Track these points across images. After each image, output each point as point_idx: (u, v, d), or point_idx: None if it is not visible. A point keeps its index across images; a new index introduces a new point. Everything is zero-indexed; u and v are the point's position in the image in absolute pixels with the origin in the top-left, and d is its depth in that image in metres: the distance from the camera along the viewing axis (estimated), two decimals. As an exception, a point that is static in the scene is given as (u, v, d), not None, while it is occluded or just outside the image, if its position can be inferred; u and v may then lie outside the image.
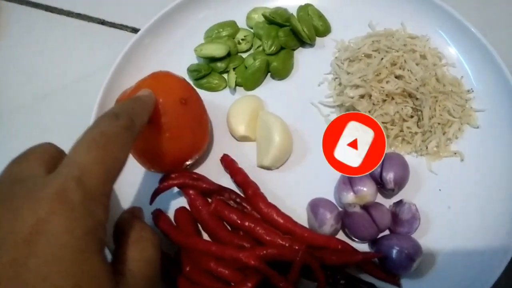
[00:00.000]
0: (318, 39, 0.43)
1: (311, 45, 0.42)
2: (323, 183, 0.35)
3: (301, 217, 0.34)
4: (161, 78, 0.34)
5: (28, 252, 0.18)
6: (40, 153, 0.23)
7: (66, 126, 0.42)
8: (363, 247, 0.33)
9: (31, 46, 0.47)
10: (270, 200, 0.34)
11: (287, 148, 0.36)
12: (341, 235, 0.33)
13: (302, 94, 0.40)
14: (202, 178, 0.34)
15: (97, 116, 0.37)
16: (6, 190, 0.21)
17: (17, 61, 0.46)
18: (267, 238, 0.31)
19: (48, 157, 0.23)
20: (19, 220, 0.19)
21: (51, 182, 0.20)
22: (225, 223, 0.33)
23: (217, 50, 0.40)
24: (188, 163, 0.35)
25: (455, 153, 0.35)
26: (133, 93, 0.33)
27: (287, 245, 0.30)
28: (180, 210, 0.34)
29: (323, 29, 0.42)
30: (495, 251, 0.30)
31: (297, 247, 0.30)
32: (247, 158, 0.37)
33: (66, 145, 0.40)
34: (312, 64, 0.41)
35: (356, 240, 0.32)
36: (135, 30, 0.47)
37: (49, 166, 0.22)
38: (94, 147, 0.22)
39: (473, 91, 0.37)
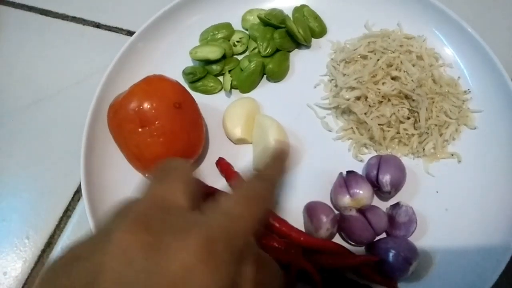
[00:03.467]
0: (314, 40, 0.42)
1: (307, 46, 0.42)
2: (319, 186, 0.35)
3: (298, 220, 0.33)
4: (154, 83, 0.34)
5: None
6: (184, 180, 0.22)
7: (61, 130, 0.41)
8: (360, 250, 0.32)
9: (26, 50, 0.47)
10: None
11: (283, 151, 0.36)
12: (337, 239, 0.33)
13: (298, 96, 0.40)
14: (197, 181, 0.34)
15: (91, 120, 0.37)
16: (153, 215, 0.20)
17: (12, 64, 0.46)
18: (263, 242, 0.30)
19: (191, 188, 0.22)
20: (165, 260, 0.18)
21: (200, 225, 0.19)
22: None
23: (212, 52, 0.40)
24: (183, 167, 0.35)
25: (452, 155, 0.35)
26: (126, 99, 0.32)
27: (283, 248, 0.30)
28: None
29: (319, 30, 0.42)
30: (493, 253, 0.30)
31: (293, 251, 0.30)
32: (243, 161, 0.37)
33: (61, 149, 0.40)
34: (307, 65, 0.41)
35: (353, 243, 0.32)
36: (130, 33, 0.46)
37: (192, 199, 0.22)
38: (245, 203, 0.21)
39: (470, 91, 0.37)
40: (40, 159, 0.40)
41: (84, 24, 0.48)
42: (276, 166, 0.25)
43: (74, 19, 0.49)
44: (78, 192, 0.38)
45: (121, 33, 0.47)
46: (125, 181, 0.36)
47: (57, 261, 0.20)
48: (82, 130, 0.36)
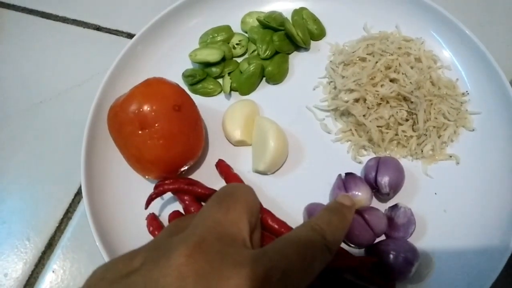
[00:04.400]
0: (313, 42, 0.43)
1: (306, 49, 0.42)
2: (318, 188, 0.35)
3: (297, 222, 0.33)
4: (154, 85, 0.34)
5: None
6: (248, 211, 0.23)
7: (62, 132, 0.42)
8: (360, 253, 0.32)
9: (27, 52, 0.47)
10: (265, 205, 0.33)
11: (282, 153, 0.36)
12: (336, 240, 0.33)
13: (297, 98, 0.40)
14: (196, 183, 0.34)
15: (91, 122, 0.37)
16: (214, 243, 0.20)
17: (12, 67, 0.46)
18: (262, 244, 0.30)
19: (252, 219, 0.23)
20: None
21: (256, 266, 0.20)
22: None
23: (212, 55, 0.40)
24: (183, 169, 0.35)
25: (451, 156, 0.35)
26: (126, 101, 0.33)
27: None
28: (173, 214, 0.34)
29: (318, 33, 0.42)
30: (492, 253, 0.30)
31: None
32: (242, 163, 0.37)
33: (62, 151, 0.40)
34: (307, 68, 0.41)
35: (352, 245, 0.32)
36: (130, 36, 0.47)
37: (251, 228, 0.23)
38: (299, 258, 0.22)
39: (468, 93, 0.37)
40: (40, 161, 0.40)
41: (84, 27, 0.49)
42: (332, 221, 0.25)
43: (75, 22, 0.49)
44: (78, 194, 0.38)
45: (121, 35, 0.47)
46: (125, 183, 0.36)
47: (109, 267, 0.21)
48: (82, 132, 0.37)
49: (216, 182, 0.36)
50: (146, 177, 0.36)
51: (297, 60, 0.42)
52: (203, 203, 0.34)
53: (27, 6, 0.50)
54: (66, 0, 0.50)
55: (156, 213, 0.35)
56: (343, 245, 0.32)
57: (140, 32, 0.41)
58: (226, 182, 0.35)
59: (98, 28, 0.49)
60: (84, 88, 0.44)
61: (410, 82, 0.36)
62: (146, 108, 0.32)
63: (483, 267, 0.30)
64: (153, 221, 0.34)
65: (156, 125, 0.32)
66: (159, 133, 0.32)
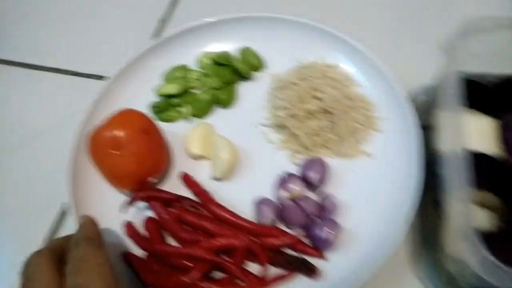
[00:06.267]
0: (256, 74, 0.52)
1: (250, 79, 0.52)
2: (264, 187, 0.43)
3: (250, 216, 0.42)
4: (126, 114, 0.42)
5: None
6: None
7: (46, 167, 0.48)
8: (299, 232, 0.40)
9: (10, 99, 0.55)
10: (223, 204, 0.41)
11: (234, 162, 0.44)
12: (281, 227, 0.41)
13: (245, 118, 0.49)
14: (164, 190, 0.42)
15: (73, 156, 0.44)
16: None
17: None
18: (219, 232, 0.38)
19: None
20: None
21: None
22: (185, 225, 0.40)
23: (173, 88, 0.49)
24: (152, 181, 0.43)
25: (365, 153, 0.45)
26: (102, 128, 0.40)
27: (234, 235, 0.38)
28: (148, 220, 0.41)
29: (259, 66, 0.52)
30: (398, 223, 0.38)
31: (242, 236, 0.37)
32: (202, 173, 0.45)
33: (43, 190, 0.45)
34: (252, 94, 0.51)
35: (292, 227, 0.40)
36: (102, 78, 0.55)
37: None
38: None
39: (375, 104, 0.47)
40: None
41: (64, 74, 0.57)
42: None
43: (54, 70, 0.57)
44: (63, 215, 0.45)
45: (98, 78, 0.56)
46: (105, 198, 0.43)
47: None
48: (64, 167, 0.43)
49: (181, 191, 0.43)
50: (121, 189, 0.43)
51: (244, 88, 0.51)
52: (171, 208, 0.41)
53: (8, 58, 0.58)
54: (46, 51, 0.59)
55: (131, 219, 0.42)
56: (283, 227, 0.40)
57: (113, 74, 0.50)
58: (189, 188, 0.43)
59: (76, 74, 0.57)
60: (66, 125, 0.51)
61: (330, 99, 0.46)
62: (118, 132, 0.40)
63: (391, 232, 0.38)
64: (129, 227, 0.41)
65: (128, 146, 0.40)
66: (130, 152, 0.40)
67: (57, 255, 0.30)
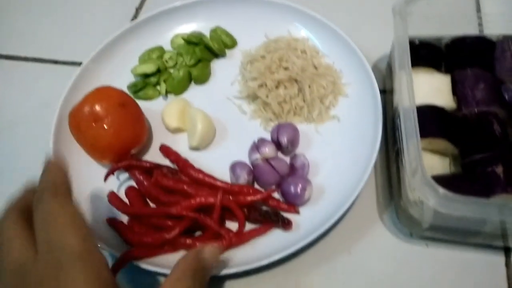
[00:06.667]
0: (228, 51, 0.55)
1: (223, 56, 0.54)
2: (240, 154, 0.46)
3: (226, 178, 0.44)
4: (103, 90, 0.44)
5: None
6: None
7: (28, 155, 0.50)
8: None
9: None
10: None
11: (209, 131, 0.47)
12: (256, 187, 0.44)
13: (220, 93, 0.51)
14: (143, 160, 0.44)
15: (55, 135, 0.46)
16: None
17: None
18: (197, 193, 0.41)
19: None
20: None
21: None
22: (165, 191, 0.42)
23: (149, 68, 0.52)
24: (132, 152, 0.45)
25: (333, 117, 0.47)
26: (81, 104, 0.42)
27: (211, 194, 0.40)
28: (129, 188, 0.43)
29: (231, 43, 0.55)
30: (359, 177, 0.41)
31: (219, 196, 0.40)
32: (181, 145, 0.47)
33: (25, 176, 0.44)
34: (225, 70, 0.53)
35: (266, 187, 0.43)
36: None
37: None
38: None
39: (341, 71, 0.50)
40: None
41: (43, 63, 0.59)
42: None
43: (35, 59, 0.59)
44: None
45: (76, 65, 0.57)
46: (90, 176, 0.45)
47: None
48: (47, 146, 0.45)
49: (161, 162, 0.46)
50: (102, 161, 0.45)
51: (217, 65, 0.54)
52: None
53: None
54: (24, 41, 0.61)
55: (114, 189, 0.44)
56: (258, 187, 0.43)
57: (89, 57, 0.52)
58: (167, 157, 0.45)
59: (55, 62, 0.59)
60: (47, 112, 0.52)
61: (297, 68, 0.48)
62: (97, 106, 0.42)
63: (355, 185, 0.41)
64: (112, 195, 0.43)
65: (107, 118, 0.42)
66: (109, 123, 0.42)
67: (24, 213, 0.28)
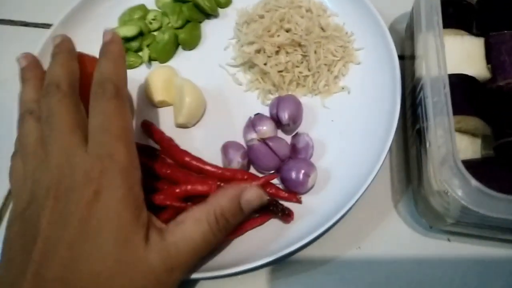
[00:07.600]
0: (221, 10, 0.47)
1: (215, 16, 0.47)
2: (234, 133, 0.40)
3: (217, 161, 0.38)
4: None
5: None
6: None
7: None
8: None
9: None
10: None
11: (198, 106, 0.40)
12: (253, 172, 0.38)
13: (211, 59, 0.44)
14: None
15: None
16: None
17: None
18: (183, 179, 0.35)
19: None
20: None
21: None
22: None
23: (129, 30, 0.44)
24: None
25: (343, 88, 0.41)
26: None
27: (201, 180, 0.34)
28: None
29: (224, 1, 0.47)
30: (373, 161, 0.35)
31: (210, 182, 0.34)
32: (166, 121, 0.41)
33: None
34: (217, 32, 0.46)
35: (264, 172, 0.37)
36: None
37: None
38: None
39: (353, 33, 0.43)
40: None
41: (13, 25, 0.52)
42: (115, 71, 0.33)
43: (2, 22, 0.52)
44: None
45: (48, 28, 0.50)
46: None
47: None
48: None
49: (142, 141, 0.40)
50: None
51: (208, 27, 0.47)
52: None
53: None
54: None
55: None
56: (254, 171, 0.37)
57: (60, 18, 0.44)
58: (150, 137, 0.39)
59: (26, 24, 0.52)
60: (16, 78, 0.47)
61: (301, 30, 0.41)
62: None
63: (365, 171, 0.35)
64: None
65: (80, 90, 0.36)
66: (84, 96, 0.36)
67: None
